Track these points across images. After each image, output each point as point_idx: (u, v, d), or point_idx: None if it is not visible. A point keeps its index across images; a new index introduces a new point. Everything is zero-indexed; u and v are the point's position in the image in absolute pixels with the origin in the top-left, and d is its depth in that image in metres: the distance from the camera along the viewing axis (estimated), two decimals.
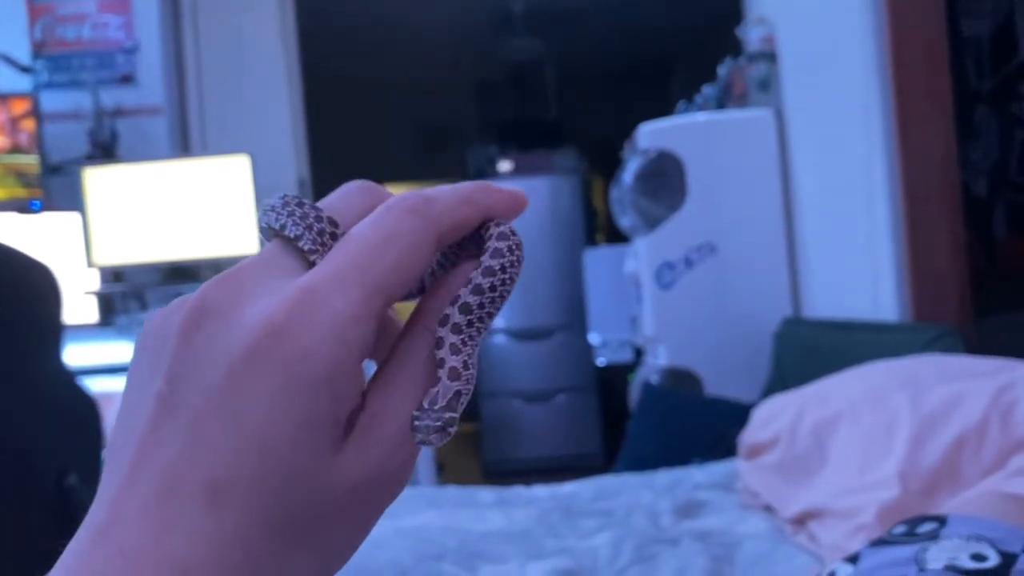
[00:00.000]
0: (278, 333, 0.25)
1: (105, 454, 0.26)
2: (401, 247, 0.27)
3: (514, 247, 0.29)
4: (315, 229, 0.28)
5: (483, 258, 0.29)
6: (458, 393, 0.27)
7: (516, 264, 0.29)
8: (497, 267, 0.29)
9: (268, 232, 0.29)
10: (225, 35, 3.27)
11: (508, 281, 0.29)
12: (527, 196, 0.31)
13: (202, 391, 0.25)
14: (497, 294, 0.29)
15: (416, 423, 0.27)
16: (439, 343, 0.28)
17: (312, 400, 0.25)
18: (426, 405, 0.27)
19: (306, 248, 0.28)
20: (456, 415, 0.27)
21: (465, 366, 0.28)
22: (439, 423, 0.27)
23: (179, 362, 0.25)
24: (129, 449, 0.25)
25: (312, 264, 0.28)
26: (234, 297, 0.26)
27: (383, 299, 0.26)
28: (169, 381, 0.25)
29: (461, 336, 0.28)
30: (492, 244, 0.29)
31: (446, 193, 0.29)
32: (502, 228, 0.29)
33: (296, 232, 0.28)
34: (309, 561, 0.26)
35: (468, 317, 0.28)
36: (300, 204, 0.29)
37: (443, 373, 0.28)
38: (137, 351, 0.27)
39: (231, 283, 0.26)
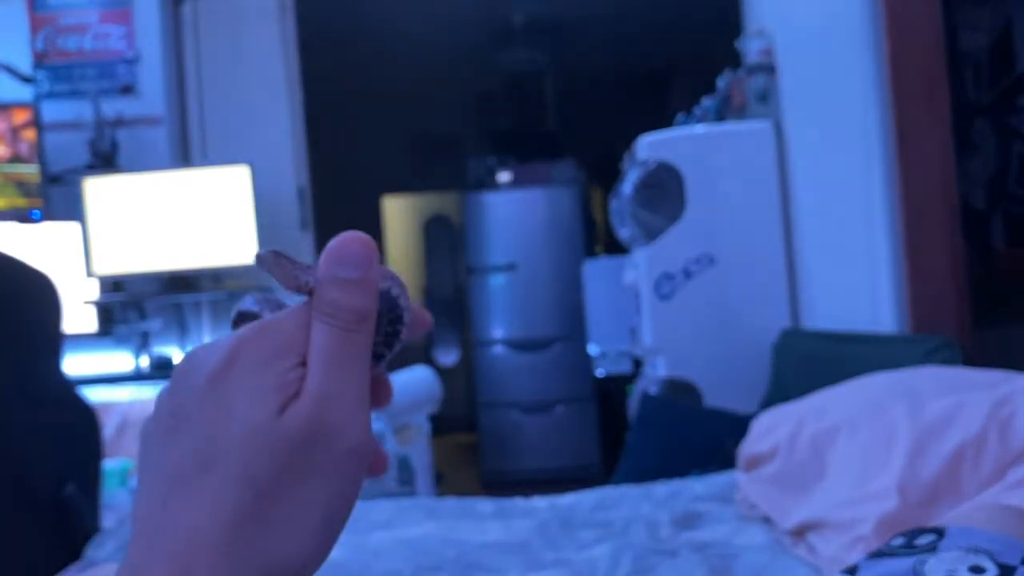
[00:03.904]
0: (238, 352, 0.34)
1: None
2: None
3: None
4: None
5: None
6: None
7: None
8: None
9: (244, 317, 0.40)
10: (226, 46, 3.29)
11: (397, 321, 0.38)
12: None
13: (191, 396, 0.34)
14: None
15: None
16: None
17: (262, 377, 0.34)
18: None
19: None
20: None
21: None
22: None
23: (177, 398, 0.34)
24: (150, 468, 0.34)
25: None
26: (213, 344, 0.35)
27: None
28: (172, 414, 0.34)
29: None
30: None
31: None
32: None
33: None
34: (295, 512, 0.33)
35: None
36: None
37: None
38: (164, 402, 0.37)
39: (221, 341, 0.36)
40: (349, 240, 0.36)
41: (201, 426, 0.33)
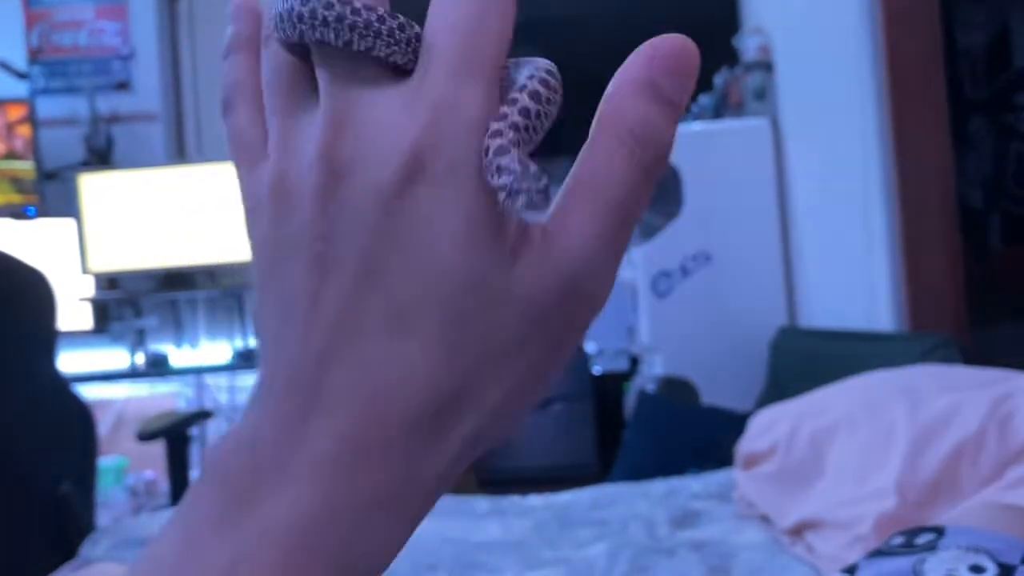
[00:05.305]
0: (422, 158, 0.24)
1: (256, 340, 0.26)
2: (500, 26, 0.26)
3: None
4: (402, 41, 0.26)
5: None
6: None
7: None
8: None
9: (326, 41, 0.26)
10: (221, 42, 3.28)
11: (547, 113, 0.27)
12: None
13: (361, 233, 0.24)
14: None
15: (513, 190, 0.23)
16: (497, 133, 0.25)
17: (468, 200, 0.24)
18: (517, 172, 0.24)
19: (401, 62, 0.26)
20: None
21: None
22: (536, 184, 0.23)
23: (328, 219, 0.24)
24: (296, 312, 0.25)
25: (406, 70, 0.26)
26: (358, 138, 0.25)
27: (498, 85, 0.26)
28: (321, 238, 0.24)
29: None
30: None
31: None
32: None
33: (387, 52, 0.26)
34: (497, 390, 0.25)
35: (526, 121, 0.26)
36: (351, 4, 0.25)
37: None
38: (263, 223, 0.26)
39: (347, 127, 0.25)
40: (683, 47, 0.26)
41: (377, 266, 0.24)
